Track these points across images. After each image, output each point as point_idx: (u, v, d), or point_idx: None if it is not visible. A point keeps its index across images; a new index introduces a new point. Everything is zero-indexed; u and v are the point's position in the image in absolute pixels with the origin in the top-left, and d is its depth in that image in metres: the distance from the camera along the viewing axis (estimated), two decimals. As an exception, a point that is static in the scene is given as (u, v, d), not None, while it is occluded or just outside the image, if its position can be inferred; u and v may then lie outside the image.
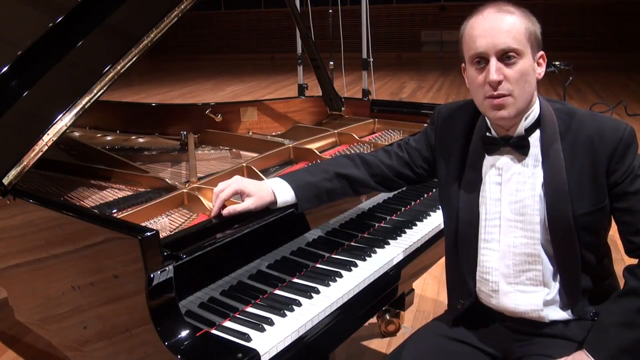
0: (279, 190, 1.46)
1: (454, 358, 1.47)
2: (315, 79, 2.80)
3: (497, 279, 1.41)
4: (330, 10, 4.23)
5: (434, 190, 2.15)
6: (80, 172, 2.08)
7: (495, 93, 1.29)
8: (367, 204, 1.88)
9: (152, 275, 1.16)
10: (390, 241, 1.73)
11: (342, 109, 2.77)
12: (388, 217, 1.90)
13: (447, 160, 1.51)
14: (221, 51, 15.73)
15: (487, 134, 1.41)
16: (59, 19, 1.78)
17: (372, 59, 4.03)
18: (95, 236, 1.29)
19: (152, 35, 1.65)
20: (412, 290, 2.65)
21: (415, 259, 1.73)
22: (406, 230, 1.82)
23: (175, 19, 1.70)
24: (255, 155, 2.20)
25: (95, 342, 1.39)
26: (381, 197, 1.95)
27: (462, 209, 1.45)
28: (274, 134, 2.74)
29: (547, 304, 1.39)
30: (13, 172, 1.51)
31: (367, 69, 3.93)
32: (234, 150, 2.41)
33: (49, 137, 1.53)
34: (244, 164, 1.99)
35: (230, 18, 15.84)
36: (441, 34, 13.83)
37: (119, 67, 1.61)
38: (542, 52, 1.35)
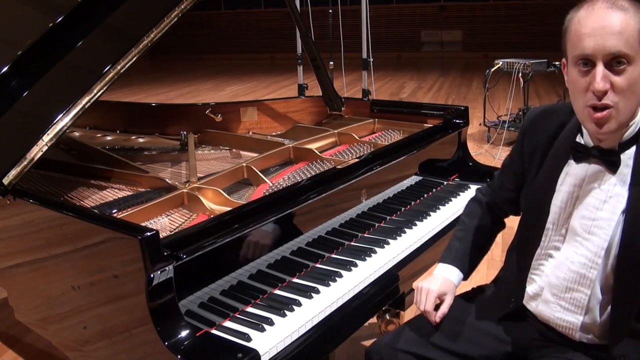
0: (455, 278, 1.53)
1: (471, 346, 1.43)
2: (315, 79, 2.79)
3: (544, 284, 1.36)
4: (330, 10, 4.23)
5: (434, 190, 2.15)
6: (80, 172, 2.08)
7: (599, 103, 1.17)
8: (367, 204, 1.88)
9: (152, 275, 1.17)
10: (390, 241, 1.73)
11: (342, 109, 2.77)
12: (388, 217, 1.90)
13: (528, 162, 1.44)
14: (221, 51, 15.74)
15: (577, 139, 1.31)
16: (59, 19, 1.78)
17: (372, 59, 4.04)
18: (95, 236, 1.29)
19: (152, 35, 1.65)
20: (412, 290, 2.65)
21: (415, 259, 1.73)
22: (406, 230, 1.82)
23: (175, 19, 1.70)
24: (255, 155, 2.20)
25: (95, 342, 1.39)
26: (381, 196, 1.95)
27: (530, 212, 1.40)
28: (274, 134, 2.74)
29: (584, 329, 1.32)
30: (13, 172, 1.51)
31: (367, 69, 3.93)
32: (234, 150, 2.41)
33: (49, 137, 1.53)
34: (244, 164, 1.99)
35: (230, 18, 15.85)
36: (441, 34, 13.80)
37: (119, 67, 1.61)
38: None
